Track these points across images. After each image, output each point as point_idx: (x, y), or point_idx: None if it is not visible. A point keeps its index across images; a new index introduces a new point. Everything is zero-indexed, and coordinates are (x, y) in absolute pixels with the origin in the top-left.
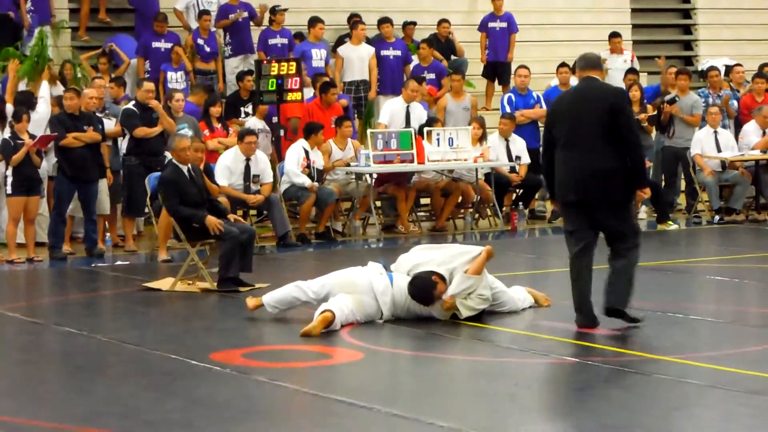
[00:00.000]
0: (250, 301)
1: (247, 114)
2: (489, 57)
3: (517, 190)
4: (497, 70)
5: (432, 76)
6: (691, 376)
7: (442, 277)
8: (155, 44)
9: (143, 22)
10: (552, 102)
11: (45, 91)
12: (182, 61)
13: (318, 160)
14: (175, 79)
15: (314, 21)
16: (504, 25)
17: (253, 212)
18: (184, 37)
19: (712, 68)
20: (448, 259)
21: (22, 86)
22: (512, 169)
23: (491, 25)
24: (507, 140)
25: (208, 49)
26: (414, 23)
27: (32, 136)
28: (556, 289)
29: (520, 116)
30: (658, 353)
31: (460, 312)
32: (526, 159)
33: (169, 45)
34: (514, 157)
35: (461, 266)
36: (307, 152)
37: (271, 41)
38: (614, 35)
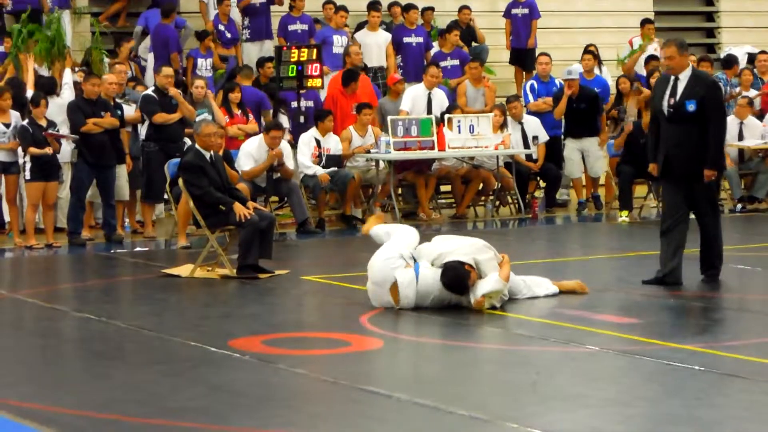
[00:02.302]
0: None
1: None
2: (513, 44)
3: (539, 181)
4: (520, 56)
5: (456, 62)
6: (713, 365)
7: (472, 267)
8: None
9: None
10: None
11: (69, 78)
12: (209, 47)
13: (333, 147)
14: (205, 66)
15: (337, 9)
16: (526, 11)
17: (273, 199)
18: (198, 24)
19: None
20: (473, 250)
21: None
22: (528, 157)
23: (514, 11)
24: (521, 123)
25: (228, 35)
26: (432, 9)
27: (52, 123)
28: (576, 278)
29: (543, 104)
30: (679, 342)
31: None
32: (543, 137)
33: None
34: (531, 138)
35: (486, 261)
36: (318, 141)
37: (291, 27)
38: (646, 22)
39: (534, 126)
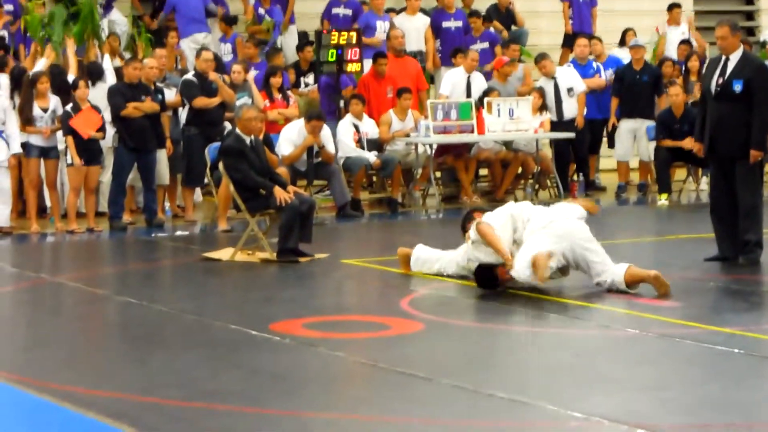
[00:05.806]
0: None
1: (307, 84)
2: (574, 27)
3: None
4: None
5: (485, 45)
6: (753, 348)
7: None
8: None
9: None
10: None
11: (108, 64)
12: (231, 32)
13: (370, 131)
14: (224, 51)
15: None
16: None
17: (316, 183)
18: (237, 7)
19: None
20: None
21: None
22: (559, 126)
23: None
24: (554, 78)
25: (268, 19)
26: None
27: (96, 108)
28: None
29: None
30: (719, 325)
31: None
32: (580, 87)
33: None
34: (566, 91)
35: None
36: (356, 126)
37: (335, 11)
38: (673, 6)
39: (568, 77)
